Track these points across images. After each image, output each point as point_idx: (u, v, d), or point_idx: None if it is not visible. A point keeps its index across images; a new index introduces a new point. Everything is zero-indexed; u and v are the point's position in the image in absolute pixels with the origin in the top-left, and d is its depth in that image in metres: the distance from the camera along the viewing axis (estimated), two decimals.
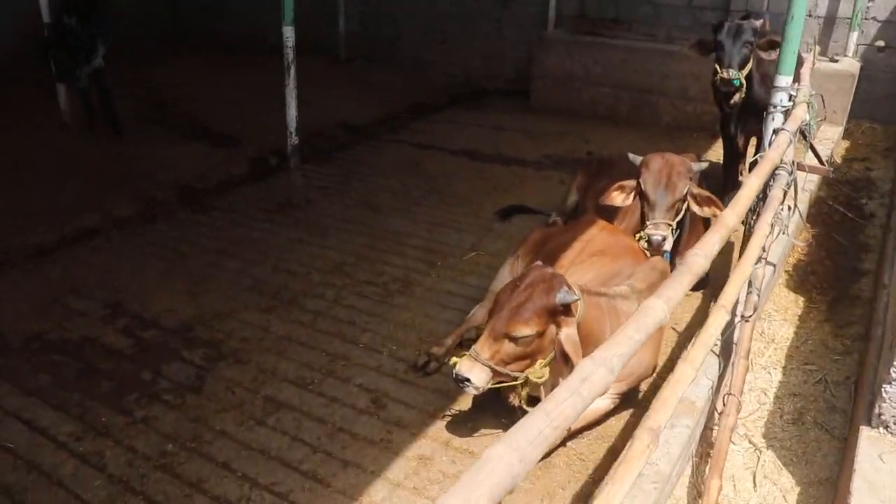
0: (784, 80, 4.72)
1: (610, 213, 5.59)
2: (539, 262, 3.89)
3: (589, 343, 3.61)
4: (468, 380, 3.52)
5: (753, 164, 6.62)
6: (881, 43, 9.66)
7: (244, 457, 3.79)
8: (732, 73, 5.78)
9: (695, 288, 5.46)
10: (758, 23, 5.99)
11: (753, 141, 6.77)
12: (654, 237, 4.76)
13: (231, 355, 4.67)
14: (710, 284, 5.57)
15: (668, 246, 4.82)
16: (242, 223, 6.72)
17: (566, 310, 3.52)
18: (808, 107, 4.85)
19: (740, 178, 7.28)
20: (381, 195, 7.43)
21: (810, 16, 9.47)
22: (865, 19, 9.54)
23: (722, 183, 6.76)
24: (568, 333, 3.52)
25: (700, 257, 2.73)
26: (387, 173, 8.09)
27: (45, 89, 9.15)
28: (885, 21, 9.57)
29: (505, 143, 9.28)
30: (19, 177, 7.53)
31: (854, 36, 9.42)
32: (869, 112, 9.66)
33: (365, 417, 4.09)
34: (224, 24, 15.02)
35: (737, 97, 5.94)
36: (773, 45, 6.31)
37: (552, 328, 3.54)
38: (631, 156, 5.11)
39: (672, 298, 2.49)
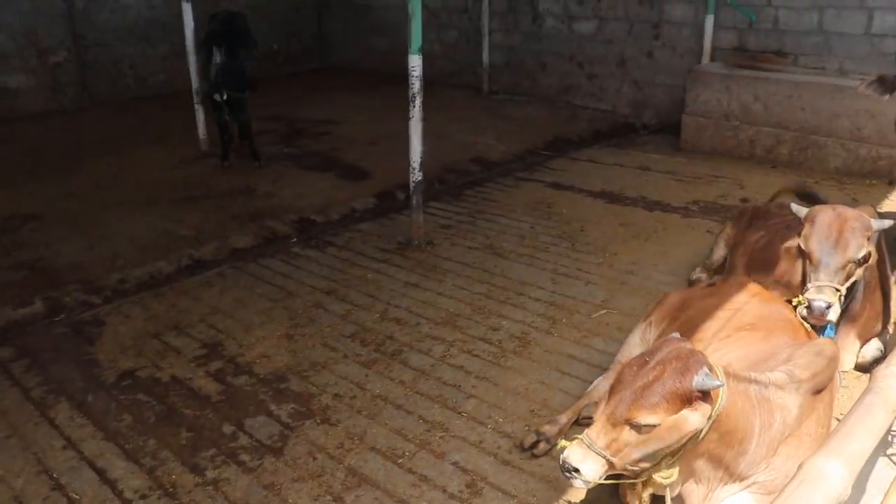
0: None
1: (763, 273, 4.81)
2: (675, 334, 3.22)
3: (731, 443, 2.91)
4: (577, 470, 2.90)
5: None
6: None
7: None
8: None
9: (865, 370, 4.64)
10: None
11: None
12: (817, 303, 3.96)
13: (320, 414, 4.21)
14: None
15: (832, 316, 4.00)
16: (356, 262, 6.34)
17: (704, 396, 2.83)
18: None
19: None
20: (507, 238, 6.88)
21: None
22: None
23: None
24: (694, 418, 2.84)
25: (892, 378, 1.95)
26: (516, 214, 7.54)
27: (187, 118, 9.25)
28: None
29: (649, 186, 8.52)
30: (150, 202, 7.51)
31: None
32: None
33: None
34: (371, 59, 15.09)
35: None
36: None
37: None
38: (794, 207, 4.34)
39: (855, 457, 1.70)
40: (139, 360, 4.89)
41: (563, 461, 2.91)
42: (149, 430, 4.14)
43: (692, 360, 2.83)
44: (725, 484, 3.16)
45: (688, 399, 2.80)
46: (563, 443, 3.00)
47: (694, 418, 2.82)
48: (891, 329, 4.85)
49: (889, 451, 3.59)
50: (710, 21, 10.42)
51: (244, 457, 3.87)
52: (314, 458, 3.83)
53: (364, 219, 7.37)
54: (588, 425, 3.98)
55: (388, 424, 4.11)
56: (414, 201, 6.56)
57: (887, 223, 4.21)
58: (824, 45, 9.69)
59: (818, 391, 3.29)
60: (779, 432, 3.14)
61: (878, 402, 1.84)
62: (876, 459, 3.42)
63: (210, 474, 3.75)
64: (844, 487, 1.56)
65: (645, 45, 11.48)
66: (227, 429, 4.11)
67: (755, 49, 10.24)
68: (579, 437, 2.95)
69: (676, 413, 2.83)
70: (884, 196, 8.08)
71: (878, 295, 4.55)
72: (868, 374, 4.50)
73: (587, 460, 2.89)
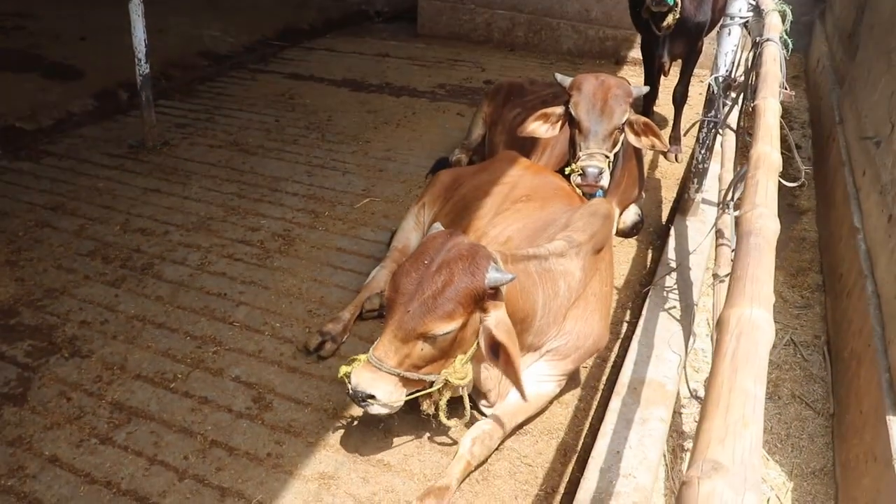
0: None
1: (525, 149, 4.79)
2: (437, 225, 3.02)
3: (515, 320, 2.79)
4: (372, 396, 2.66)
5: (679, 89, 6.00)
6: None
7: (84, 494, 2.80)
8: None
9: (626, 235, 4.82)
10: None
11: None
12: (590, 169, 3.98)
13: (66, 346, 3.61)
14: (644, 230, 4.88)
15: (605, 181, 4.06)
16: (83, 171, 5.53)
17: (495, 292, 2.67)
18: (783, 17, 4.10)
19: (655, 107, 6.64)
20: (252, 133, 6.35)
21: None
22: None
23: (642, 111, 6.03)
24: (498, 319, 2.69)
25: (767, 219, 1.87)
26: (258, 108, 6.98)
27: None
28: None
29: (392, 72, 8.29)
30: None
31: None
32: None
33: (245, 423, 3.15)
34: None
35: (670, 18, 5.19)
36: None
37: (476, 315, 2.70)
38: (559, 76, 4.29)
39: (769, 300, 1.59)
40: None
41: (354, 389, 2.65)
42: None
43: (479, 257, 2.65)
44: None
45: (481, 297, 2.64)
46: (344, 368, 2.73)
47: (492, 316, 2.67)
48: (644, 195, 5.06)
49: None
50: None
51: None
52: (68, 399, 3.27)
53: (84, 123, 6.45)
54: (373, 318, 3.81)
55: (152, 347, 3.62)
56: (143, 98, 5.80)
57: (645, 89, 4.29)
58: None
59: (598, 250, 3.29)
60: (565, 299, 3.10)
61: (762, 242, 1.75)
62: None
63: None
64: (772, 332, 1.45)
65: None
66: None
67: None
68: (362, 357, 2.70)
69: (471, 314, 2.66)
70: (613, 73, 8.43)
71: (633, 162, 4.69)
72: (628, 239, 4.70)
73: (379, 383, 2.66)
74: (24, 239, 4.57)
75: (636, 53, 8.09)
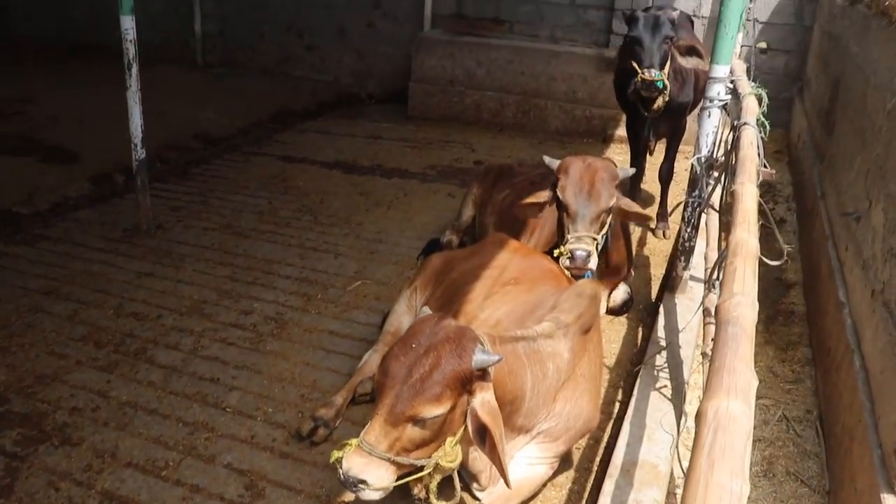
0: (722, 69, 4.10)
1: (514, 229, 4.86)
2: (426, 310, 3.04)
3: (504, 402, 2.79)
4: (364, 481, 2.63)
5: (665, 167, 6.12)
6: (763, 45, 9.44)
7: None
8: (655, 74, 5.14)
9: (616, 313, 4.86)
10: (674, 14, 5.40)
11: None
12: (578, 252, 4.02)
13: (56, 434, 3.59)
14: (634, 307, 4.92)
15: (593, 263, 4.09)
16: (78, 256, 5.57)
17: (482, 374, 2.69)
18: (760, 100, 4.23)
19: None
20: (245, 216, 6.43)
21: (695, 16, 9.09)
22: (748, 20, 9.27)
23: (629, 190, 6.14)
24: (484, 401, 2.69)
25: (745, 307, 1.91)
26: (251, 190, 7.08)
27: None
28: (766, 22, 9.37)
29: (383, 154, 8.43)
30: None
31: (739, 36, 9.11)
32: None
33: None
34: (66, 28, 13.55)
35: (660, 101, 5.33)
36: (693, 52, 5.77)
37: (465, 397, 2.70)
38: (547, 159, 4.38)
39: (747, 391, 1.61)
40: None
41: (345, 475, 2.62)
42: None
43: (465, 339, 2.66)
44: (509, 441, 3.06)
45: (468, 379, 2.65)
46: (335, 453, 2.71)
47: (478, 398, 2.68)
48: (633, 273, 5.12)
49: None
50: None
51: None
52: (56, 489, 3.24)
53: (80, 206, 6.52)
54: (365, 402, 3.80)
55: (143, 434, 3.61)
56: (139, 181, 5.90)
57: (630, 171, 4.39)
58: (536, 13, 10.14)
59: (586, 331, 3.32)
60: (555, 380, 3.11)
61: (739, 331, 1.78)
62: None
63: None
64: (750, 424, 1.47)
65: (365, 14, 11.34)
66: None
67: (473, 16, 10.48)
68: (353, 442, 2.69)
69: (460, 396, 2.67)
70: (600, 152, 8.63)
71: (621, 241, 4.75)
72: (617, 318, 4.73)
73: (371, 468, 2.63)
74: (17, 324, 4.59)
75: (623, 131, 8.25)
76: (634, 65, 5.25)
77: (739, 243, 2.34)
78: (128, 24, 5.45)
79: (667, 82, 5.23)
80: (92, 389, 3.95)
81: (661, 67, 5.20)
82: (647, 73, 5.15)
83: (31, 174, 7.08)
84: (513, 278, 3.87)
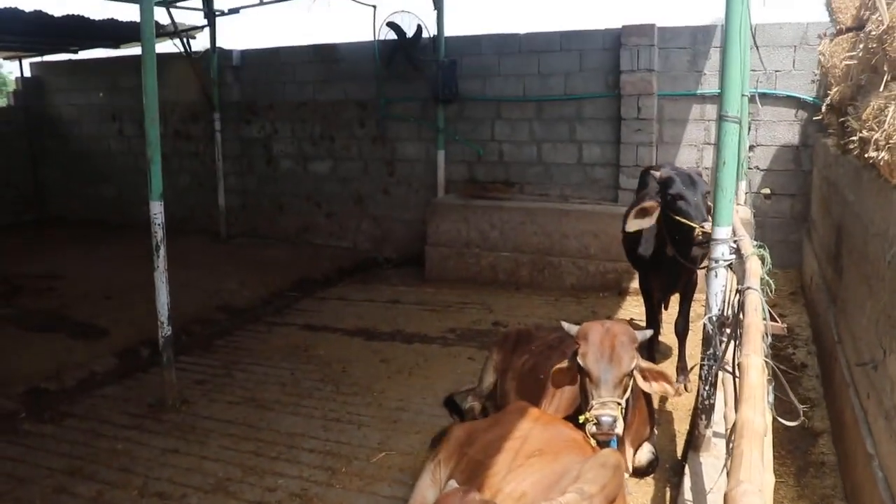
0: (724, 231, 4.26)
1: (535, 394, 4.90)
2: (453, 483, 3.07)
3: None
4: None
5: (681, 321, 6.20)
6: (767, 190, 9.81)
7: None
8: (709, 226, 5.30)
9: (642, 474, 4.82)
10: (701, 169, 5.67)
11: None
12: (605, 418, 4.02)
13: None
14: (660, 466, 4.88)
15: (619, 428, 4.10)
16: (103, 433, 5.64)
17: None
18: (763, 260, 4.37)
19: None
20: (269, 388, 6.51)
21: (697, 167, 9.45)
22: (750, 168, 9.65)
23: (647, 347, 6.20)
24: None
25: (752, 496, 1.93)
26: (274, 361, 7.20)
27: None
28: (767, 169, 9.78)
29: (403, 319, 8.58)
30: None
31: (743, 185, 9.45)
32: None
33: None
34: (97, 208, 14.27)
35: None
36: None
37: None
38: (565, 325, 4.46)
39: None
40: None
41: None
42: None
43: None
44: None
45: None
46: None
47: None
48: (656, 431, 5.11)
49: None
50: (441, 156, 11.05)
51: None
52: None
53: (106, 382, 6.64)
54: None
55: None
56: (164, 358, 6.03)
57: (648, 333, 4.47)
58: (545, 174, 10.62)
59: (610, 501, 3.31)
60: None
61: None
62: None
63: None
64: None
65: (380, 182, 11.87)
66: None
67: (485, 180, 10.98)
68: None
69: None
70: (617, 305, 8.76)
71: (642, 401, 4.78)
72: (644, 479, 4.69)
73: None
74: None
75: (637, 283, 8.42)
76: (683, 220, 5.43)
77: (745, 424, 2.34)
78: (157, 208, 5.76)
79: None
80: None
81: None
82: (705, 226, 5.22)
83: (58, 350, 7.25)
84: (536, 449, 3.89)
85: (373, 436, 5.58)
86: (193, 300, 8.72)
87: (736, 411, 2.57)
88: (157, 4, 11.55)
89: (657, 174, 5.74)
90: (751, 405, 2.45)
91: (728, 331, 4.61)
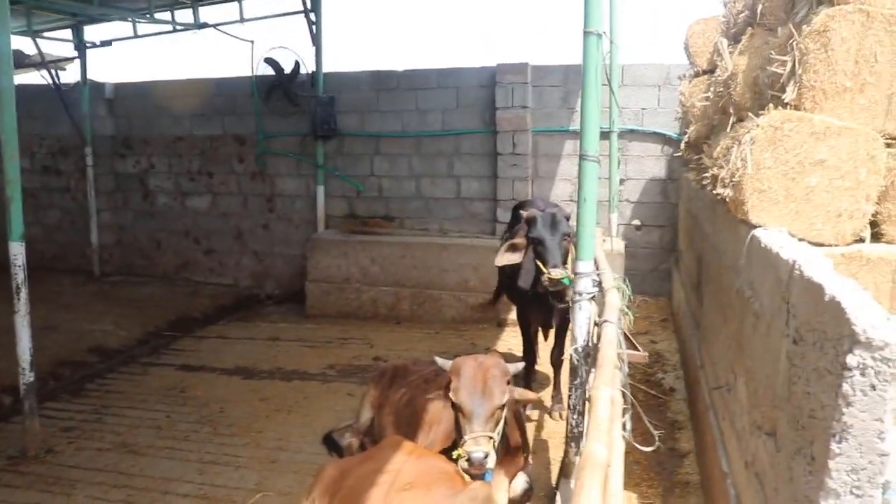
0: (586, 265, 4.45)
1: (411, 427, 4.95)
2: None
3: None
4: None
5: (556, 352, 6.39)
6: (637, 222, 10.25)
7: None
8: (560, 273, 5.40)
9: (518, 503, 4.92)
10: (568, 211, 5.82)
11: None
12: (475, 454, 4.08)
13: None
14: (535, 495, 5.00)
15: (491, 463, 4.18)
16: None
17: None
18: (621, 292, 4.58)
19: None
20: (142, 432, 6.31)
21: (572, 200, 9.76)
22: (620, 201, 10.07)
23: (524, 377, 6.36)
24: None
25: None
26: (148, 404, 6.99)
27: None
28: (636, 202, 10.23)
29: (283, 356, 8.49)
30: None
31: (614, 217, 9.84)
32: (637, 286, 9.92)
33: None
34: None
35: (570, 293, 5.63)
36: None
37: None
38: (439, 360, 4.52)
39: None
40: None
41: None
42: None
43: None
44: None
45: None
46: None
47: None
48: (531, 460, 5.24)
49: None
50: (321, 192, 11.07)
51: None
52: None
53: None
54: None
55: None
56: (27, 406, 5.77)
57: (520, 366, 4.59)
58: (425, 208, 10.77)
59: None
60: None
61: None
62: None
63: None
64: None
65: (260, 217, 11.76)
66: None
67: (365, 215, 11.04)
68: None
69: None
70: (496, 337, 8.93)
71: (516, 433, 4.89)
72: None
73: None
74: None
75: (515, 315, 8.62)
76: (539, 264, 5.58)
77: (588, 456, 2.44)
78: (17, 249, 5.54)
79: (571, 276, 5.56)
80: None
81: (564, 263, 5.53)
82: (553, 273, 5.42)
83: None
84: (409, 483, 3.93)
85: (250, 477, 5.49)
86: (62, 342, 8.39)
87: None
88: (22, 34, 11.17)
89: (524, 213, 5.92)
90: (595, 438, 2.56)
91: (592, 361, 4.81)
